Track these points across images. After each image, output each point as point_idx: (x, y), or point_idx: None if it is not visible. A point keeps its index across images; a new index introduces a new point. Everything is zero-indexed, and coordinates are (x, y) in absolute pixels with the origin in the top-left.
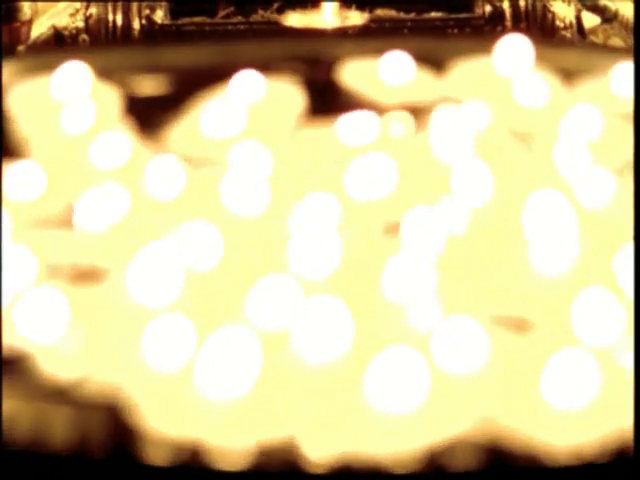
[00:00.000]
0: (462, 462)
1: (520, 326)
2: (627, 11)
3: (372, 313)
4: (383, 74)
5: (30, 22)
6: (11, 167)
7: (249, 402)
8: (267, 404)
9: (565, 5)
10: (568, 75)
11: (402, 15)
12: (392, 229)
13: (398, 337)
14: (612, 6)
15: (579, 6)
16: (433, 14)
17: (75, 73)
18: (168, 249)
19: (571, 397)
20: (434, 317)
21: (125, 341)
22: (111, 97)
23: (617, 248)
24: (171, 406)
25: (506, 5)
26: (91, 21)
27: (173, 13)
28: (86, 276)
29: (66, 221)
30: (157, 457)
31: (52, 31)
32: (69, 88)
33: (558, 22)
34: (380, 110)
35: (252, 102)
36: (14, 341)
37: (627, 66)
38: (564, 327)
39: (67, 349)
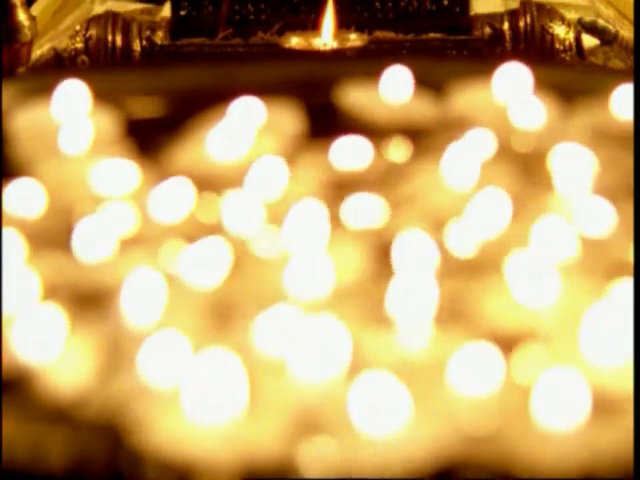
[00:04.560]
0: None
1: (514, 345)
2: (627, 33)
3: (367, 334)
4: (383, 96)
5: (30, 44)
6: (11, 187)
7: (243, 424)
8: (262, 425)
9: (564, 27)
10: (568, 97)
11: (401, 36)
12: (388, 252)
13: (393, 359)
14: (611, 28)
15: (579, 28)
16: (432, 35)
17: (75, 93)
18: (167, 267)
19: (564, 416)
20: (428, 338)
21: (124, 362)
22: (111, 118)
23: (617, 273)
24: (169, 427)
25: (505, 27)
26: (91, 42)
27: (173, 34)
28: (86, 297)
29: (66, 242)
30: (155, 478)
31: (52, 53)
32: (69, 109)
33: (558, 44)
34: (379, 133)
35: (252, 124)
36: (13, 361)
37: (627, 88)
38: (560, 347)
39: (66, 370)
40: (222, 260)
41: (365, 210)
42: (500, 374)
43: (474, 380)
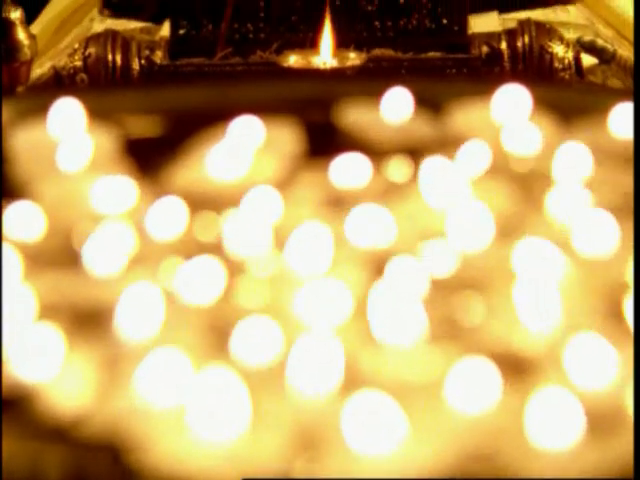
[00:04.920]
0: None
1: (512, 368)
2: (625, 52)
3: (364, 352)
4: (382, 115)
5: (30, 62)
6: (11, 207)
7: (242, 441)
8: (261, 443)
9: (563, 46)
10: (566, 116)
11: (400, 55)
12: (382, 272)
13: (390, 377)
14: (610, 47)
15: (577, 47)
16: (431, 54)
17: (72, 112)
18: (166, 285)
19: (559, 435)
20: (424, 356)
21: (123, 380)
22: (110, 137)
23: (615, 293)
24: (168, 445)
25: (503, 46)
26: (90, 61)
27: (172, 53)
28: (85, 315)
29: (65, 260)
30: None
31: (52, 71)
32: (67, 129)
33: (556, 63)
34: (378, 151)
35: (251, 143)
36: (13, 380)
37: (626, 107)
38: (555, 369)
39: (66, 388)
40: (220, 278)
41: (365, 228)
42: (496, 391)
43: (470, 398)
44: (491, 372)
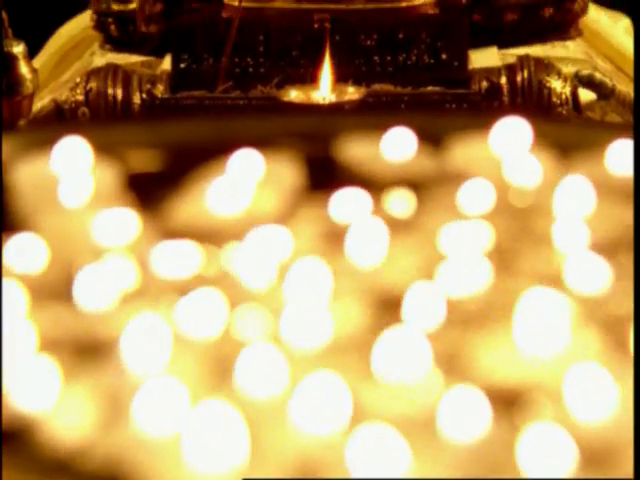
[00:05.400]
0: None
1: (508, 400)
2: (624, 87)
3: (366, 387)
4: (382, 150)
5: (32, 96)
6: (12, 240)
7: (242, 474)
8: (261, 476)
9: (561, 81)
10: (565, 151)
11: (399, 90)
12: (387, 302)
13: (391, 411)
14: (608, 82)
15: (575, 82)
16: (430, 89)
17: (75, 148)
18: (166, 318)
19: (550, 469)
20: (431, 391)
21: (124, 413)
22: (111, 171)
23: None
24: (169, 477)
25: (503, 81)
26: (91, 95)
27: (173, 87)
28: (86, 348)
29: (67, 294)
30: None
31: (53, 105)
32: (69, 163)
33: (555, 98)
34: (379, 186)
35: (252, 177)
36: (14, 413)
37: (624, 143)
38: (554, 401)
39: (66, 421)
40: (220, 311)
41: (364, 262)
42: (490, 423)
43: (466, 430)
44: (485, 404)
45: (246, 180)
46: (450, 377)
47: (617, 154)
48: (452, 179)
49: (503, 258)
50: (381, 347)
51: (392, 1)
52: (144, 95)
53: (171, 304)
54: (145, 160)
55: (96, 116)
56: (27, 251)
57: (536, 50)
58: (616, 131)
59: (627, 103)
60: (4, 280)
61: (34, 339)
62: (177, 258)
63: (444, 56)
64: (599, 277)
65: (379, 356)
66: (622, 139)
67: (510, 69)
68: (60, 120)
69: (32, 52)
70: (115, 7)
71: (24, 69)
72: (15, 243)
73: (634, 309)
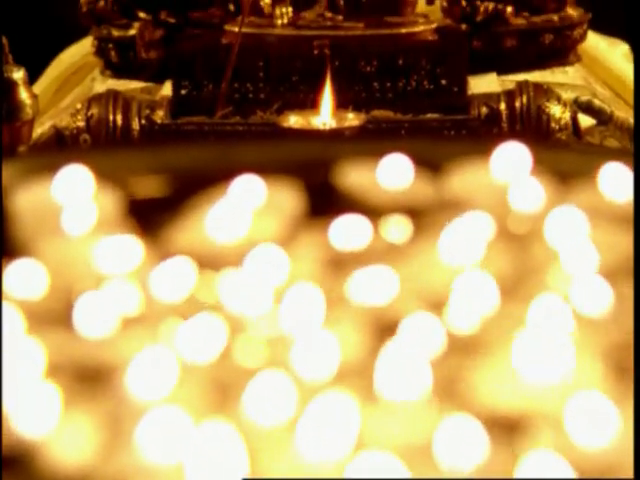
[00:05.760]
0: None
1: (507, 428)
2: (622, 113)
3: (366, 414)
4: (381, 176)
5: (32, 122)
6: (12, 266)
7: None
8: None
9: (560, 107)
10: (565, 177)
11: (399, 116)
12: (386, 329)
13: (391, 437)
14: (607, 108)
15: (575, 108)
16: (430, 115)
17: (76, 174)
18: (166, 344)
19: None
20: (431, 417)
21: (125, 438)
22: (112, 198)
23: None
24: None
25: (502, 107)
26: (92, 121)
27: (173, 113)
28: (87, 374)
29: (68, 320)
30: None
31: (53, 130)
32: (71, 190)
33: (554, 124)
34: (378, 213)
35: (252, 205)
36: (14, 438)
37: (622, 168)
38: (556, 430)
39: (67, 447)
40: (221, 336)
41: (365, 289)
42: (486, 450)
43: (463, 455)
44: (484, 432)
45: (246, 206)
46: (449, 404)
47: (613, 179)
48: (451, 205)
49: (503, 284)
50: (380, 373)
51: (392, 28)
52: (143, 121)
53: (172, 330)
54: (146, 186)
55: (97, 143)
56: (27, 277)
57: (535, 76)
58: (615, 156)
59: (625, 128)
60: (4, 305)
61: (35, 364)
62: (178, 283)
63: (444, 82)
64: (600, 303)
65: (378, 383)
66: (619, 163)
67: (509, 95)
68: (60, 146)
69: (32, 78)
70: (115, 33)
71: (24, 95)
72: (15, 269)
73: (634, 335)
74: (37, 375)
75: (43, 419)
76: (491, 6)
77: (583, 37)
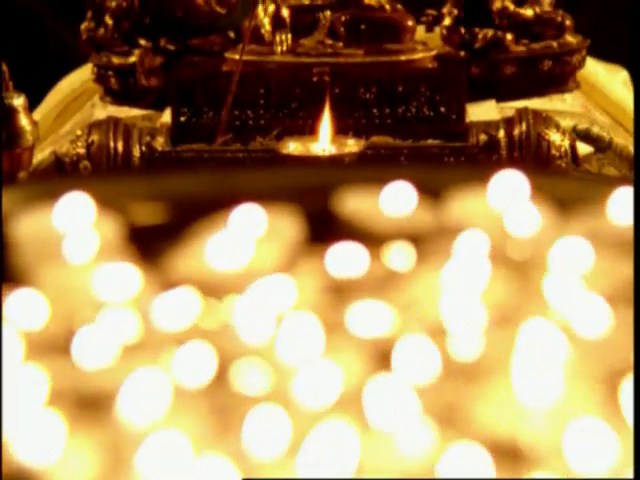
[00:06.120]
0: None
1: (508, 454)
2: (621, 140)
3: (370, 442)
4: (381, 203)
5: (32, 148)
6: (13, 295)
7: None
8: None
9: (560, 134)
10: (563, 204)
11: (398, 142)
12: (384, 356)
13: (396, 466)
14: (605, 136)
15: (573, 135)
16: (429, 142)
17: (77, 203)
18: (166, 371)
19: None
20: (424, 445)
21: (125, 466)
22: (112, 225)
23: (612, 378)
24: None
25: (501, 134)
26: (93, 148)
27: (173, 140)
28: (87, 402)
29: (68, 348)
30: None
31: (53, 157)
32: (71, 218)
33: (554, 151)
34: (377, 239)
35: (252, 231)
36: (14, 466)
37: (622, 195)
38: (554, 456)
39: (68, 475)
40: (220, 364)
41: (365, 317)
42: (486, 476)
43: None
44: (485, 459)
45: (247, 234)
46: (448, 430)
47: (616, 206)
48: (450, 232)
49: (502, 310)
50: (377, 401)
51: (391, 55)
52: (143, 148)
53: (171, 357)
54: (146, 213)
55: (98, 170)
56: (27, 305)
57: (534, 103)
58: (614, 184)
59: (624, 156)
60: (4, 334)
61: (35, 392)
62: (178, 311)
63: (443, 109)
64: (599, 329)
65: (375, 410)
66: (620, 191)
67: (508, 122)
68: (61, 173)
69: (32, 104)
70: (115, 60)
71: (24, 121)
72: (15, 297)
73: (634, 361)
74: (39, 403)
75: (44, 447)
76: (490, 33)
77: (582, 63)
